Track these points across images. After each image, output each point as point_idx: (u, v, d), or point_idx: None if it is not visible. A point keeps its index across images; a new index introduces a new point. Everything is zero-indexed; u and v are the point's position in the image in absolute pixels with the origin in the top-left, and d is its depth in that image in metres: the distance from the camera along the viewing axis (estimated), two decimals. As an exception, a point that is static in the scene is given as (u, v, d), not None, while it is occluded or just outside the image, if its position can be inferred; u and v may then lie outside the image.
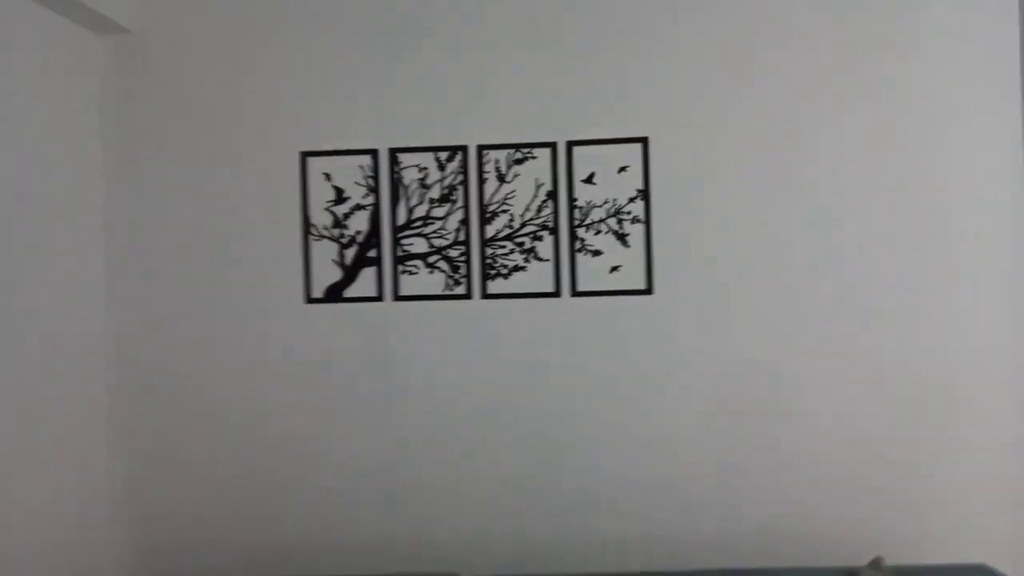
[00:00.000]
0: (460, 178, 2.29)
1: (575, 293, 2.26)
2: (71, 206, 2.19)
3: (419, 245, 2.30)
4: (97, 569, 2.24)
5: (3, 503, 1.88)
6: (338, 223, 2.31)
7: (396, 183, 2.30)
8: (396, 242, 2.30)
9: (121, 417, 2.33)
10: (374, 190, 2.30)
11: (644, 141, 2.24)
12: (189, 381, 2.32)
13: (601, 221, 2.25)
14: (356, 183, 2.31)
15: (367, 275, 2.31)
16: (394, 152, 2.30)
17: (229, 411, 2.31)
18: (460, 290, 2.28)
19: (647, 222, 2.24)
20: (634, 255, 2.24)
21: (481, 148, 2.28)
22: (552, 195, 2.27)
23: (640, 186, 2.24)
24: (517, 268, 2.27)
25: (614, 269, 2.25)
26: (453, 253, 2.29)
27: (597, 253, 2.26)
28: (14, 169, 1.95)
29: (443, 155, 2.29)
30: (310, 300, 2.31)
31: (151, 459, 2.33)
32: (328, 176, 2.31)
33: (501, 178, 2.28)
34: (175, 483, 2.33)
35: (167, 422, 2.33)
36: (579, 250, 2.26)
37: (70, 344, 2.16)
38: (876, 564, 1.87)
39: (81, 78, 2.24)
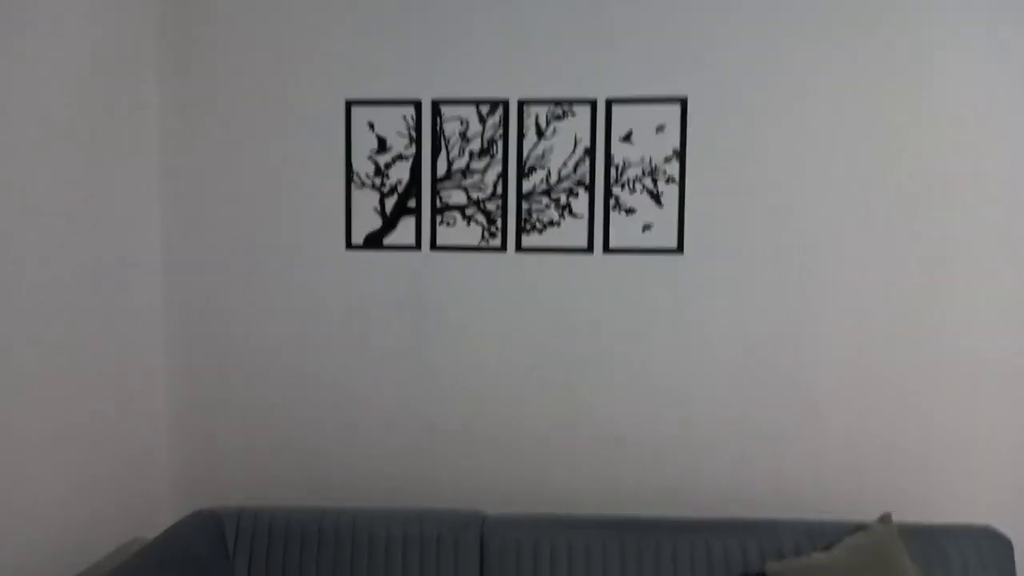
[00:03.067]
0: (500, 132, 2.33)
1: (607, 249, 2.32)
2: (126, 150, 2.26)
3: (457, 197, 2.36)
4: (150, 499, 2.38)
5: (66, 435, 1.99)
6: (379, 172, 2.38)
7: (437, 135, 2.36)
8: (435, 193, 2.37)
9: (175, 357, 2.45)
10: (416, 141, 2.36)
11: (683, 101, 2.26)
12: (237, 323, 2.44)
13: (636, 180, 2.30)
14: (399, 133, 2.37)
15: (406, 224, 2.38)
16: (436, 104, 2.34)
17: (273, 351, 2.43)
18: (495, 242, 2.36)
19: (681, 183, 2.28)
20: (667, 215, 2.29)
21: (522, 103, 2.32)
22: (590, 152, 2.31)
23: (676, 146, 2.28)
24: (552, 223, 2.33)
25: (646, 228, 2.30)
26: (490, 206, 2.35)
27: (631, 211, 2.31)
28: (70, 106, 1.99)
29: (484, 108, 2.33)
30: (350, 246, 2.40)
31: (201, 397, 2.46)
32: (372, 125, 2.37)
33: (540, 134, 2.32)
34: (222, 419, 2.46)
35: (216, 362, 2.45)
36: (613, 207, 2.31)
37: (127, 288, 2.27)
38: (884, 520, 1.95)
39: (138, 23, 2.29)
